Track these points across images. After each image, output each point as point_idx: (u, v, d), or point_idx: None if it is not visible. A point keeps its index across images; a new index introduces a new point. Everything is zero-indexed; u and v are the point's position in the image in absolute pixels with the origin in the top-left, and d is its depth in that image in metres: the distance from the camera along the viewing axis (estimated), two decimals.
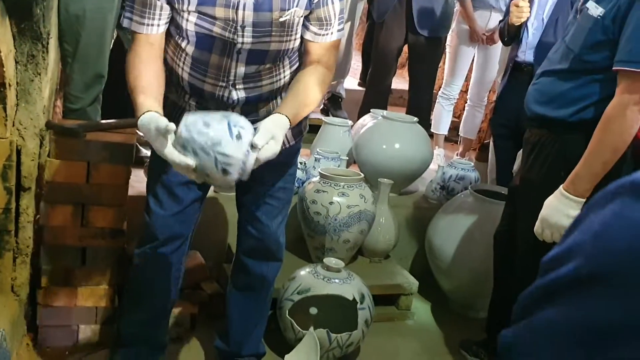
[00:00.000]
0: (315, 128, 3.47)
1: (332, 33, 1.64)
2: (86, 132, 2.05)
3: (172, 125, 1.36)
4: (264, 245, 1.92)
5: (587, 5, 1.75)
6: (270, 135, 1.43)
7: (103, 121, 2.24)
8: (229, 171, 1.36)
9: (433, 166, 3.23)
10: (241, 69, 1.63)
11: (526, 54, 2.63)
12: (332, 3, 1.60)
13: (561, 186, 1.75)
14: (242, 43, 1.58)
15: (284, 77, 1.72)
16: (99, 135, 2.07)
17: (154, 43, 1.60)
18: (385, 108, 3.63)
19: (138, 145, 2.77)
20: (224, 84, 1.66)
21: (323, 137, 3.23)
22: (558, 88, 1.84)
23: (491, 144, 3.27)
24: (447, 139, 4.24)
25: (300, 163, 2.82)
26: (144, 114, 1.44)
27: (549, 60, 1.91)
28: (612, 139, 1.66)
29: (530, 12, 2.61)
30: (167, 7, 1.58)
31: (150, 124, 1.40)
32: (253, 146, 1.38)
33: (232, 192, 2.04)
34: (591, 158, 1.69)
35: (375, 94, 3.77)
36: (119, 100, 2.29)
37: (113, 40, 2.46)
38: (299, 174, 2.79)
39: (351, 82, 4.89)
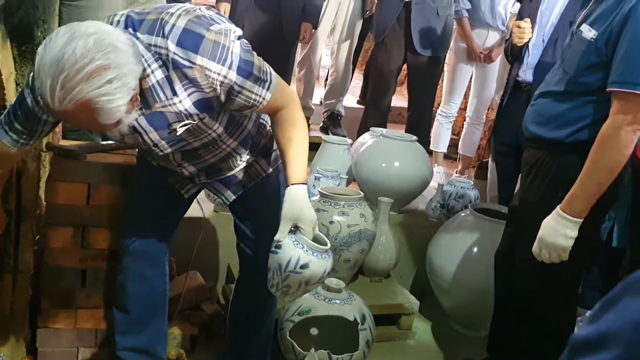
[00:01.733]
0: (314, 146, 3.48)
1: (263, 98, 1.53)
2: (86, 153, 2.05)
3: None
4: (260, 264, 1.91)
5: (581, 28, 1.77)
6: (290, 220, 1.56)
7: (103, 142, 2.24)
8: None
9: (433, 184, 3.23)
10: (180, 158, 1.71)
11: (526, 74, 2.64)
12: (243, 88, 1.48)
13: (558, 207, 1.76)
14: (166, 152, 1.63)
15: (228, 147, 1.72)
16: (99, 156, 2.07)
17: (10, 157, 1.64)
18: (384, 126, 3.64)
19: None
20: (172, 166, 1.74)
21: (322, 155, 3.24)
22: (554, 109, 1.85)
23: (490, 162, 3.27)
24: (446, 157, 4.25)
25: None
26: None
27: (546, 82, 1.93)
28: (607, 160, 1.68)
29: (532, 32, 2.63)
30: (47, 132, 1.61)
31: None
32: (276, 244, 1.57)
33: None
34: (586, 179, 1.70)
35: (375, 112, 3.79)
36: None
37: None
38: None
39: (350, 100, 4.91)
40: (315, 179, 2.91)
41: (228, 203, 1.87)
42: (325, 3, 3.79)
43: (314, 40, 3.90)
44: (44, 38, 1.90)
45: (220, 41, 1.44)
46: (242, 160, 1.80)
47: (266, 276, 1.94)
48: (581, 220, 1.73)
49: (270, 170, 1.85)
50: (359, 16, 4.01)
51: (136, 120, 1.50)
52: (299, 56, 4.04)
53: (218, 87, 1.46)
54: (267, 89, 1.53)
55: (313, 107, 4.12)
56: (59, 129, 2.54)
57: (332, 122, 4.10)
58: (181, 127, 1.53)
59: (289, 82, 3.68)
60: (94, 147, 2.14)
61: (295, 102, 1.64)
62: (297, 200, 1.56)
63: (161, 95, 1.47)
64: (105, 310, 2.12)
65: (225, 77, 1.45)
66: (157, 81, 1.45)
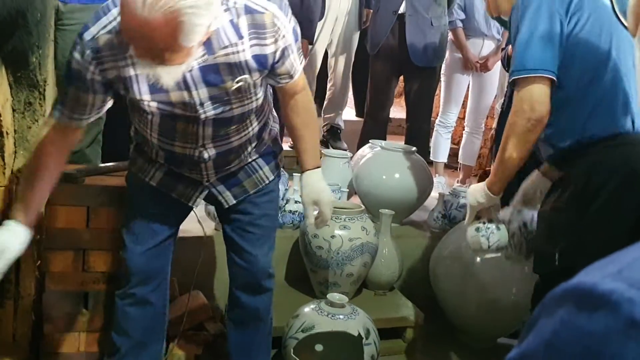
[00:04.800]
0: None
1: (298, 71, 1.65)
2: (84, 176, 2.05)
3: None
4: (253, 276, 1.92)
5: None
6: (311, 203, 1.75)
7: (102, 164, 2.25)
8: None
9: (434, 194, 3.22)
10: (208, 133, 1.66)
11: None
12: (292, 52, 1.59)
13: (485, 182, 1.89)
14: (205, 116, 1.60)
15: (252, 130, 1.74)
16: (98, 179, 2.08)
17: (72, 133, 1.62)
18: (384, 138, 3.64)
19: None
20: (193, 146, 1.68)
21: (323, 169, 3.16)
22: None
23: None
24: (447, 166, 4.24)
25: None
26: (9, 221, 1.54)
27: None
28: (512, 146, 1.74)
29: None
30: (100, 105, 1.59)
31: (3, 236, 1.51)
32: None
33: None
34: (499, 164, 1.80)
35: (374, 125, 3.79)
36: (119, 141, 2.30)
37: None
38: (300, 207, 2.78)
39: (350, 113, 4.92)
40: None
41: (227, 206, 1.85)
42: (322, 18, 3.81)
43: (311, 56, 3.92)
44: (39, 64, 1.92)
45: (283, 1, 1.56)
46: (250, 153, 1.79)
47: (256, 285, 1.95)
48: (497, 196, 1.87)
49: (272, 177, 1.86)
50: (355, 29, 4.03)
51: (190, 72, 1.49)
52: None
53: (280, 40, 1.53)
54: (301, 63, 1.66)
55: None
56: None
57: (332, 135, 4.11)
58: (237, 81, 1.55)
59: None
60: (92, 170, 2.14)
61: (308, 88, 1.76)
62: (315, 184, 1.74)
63: (226, 39, 1.49)
64: (108, 333, 2.11)
65: (287, 31, 1.54)
66: (223, 25, 1.47)
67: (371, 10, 3.88)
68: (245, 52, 1.52)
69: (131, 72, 1.51)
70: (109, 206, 2.04)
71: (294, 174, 2.94)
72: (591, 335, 0.38)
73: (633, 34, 0.54)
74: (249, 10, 1.48)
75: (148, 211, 1.83)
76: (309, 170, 1.75)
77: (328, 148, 3.88)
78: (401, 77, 3.84)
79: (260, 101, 1.67)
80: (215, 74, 1.53)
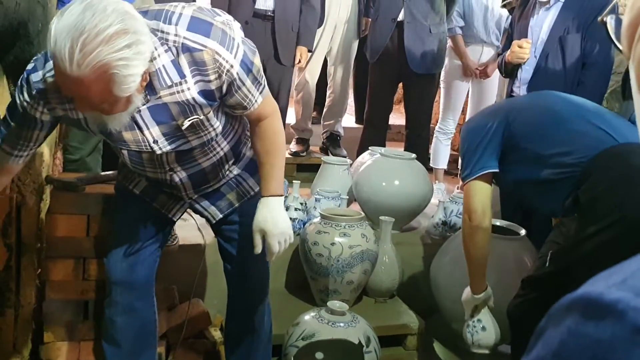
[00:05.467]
0: (314, 167, 3.50)
1: (256, 101, 1.59)
2: (84, 185, 2.06)
3: None
4: (248, 285, 1.92)
5: None
6: (259, 232, 1.66)
7: (102, 173, 2.25)
8: None
9: (434, 201, 3.23)
10: (173, 160, 1.67)
11: (521, 89, 2.66)
12: (243, 84, 1.53)
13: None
14: (161, 150, 1.61)
15: (222, 150, 1.73)
16: (98, 187, 2.08)
17: (11, 168, 1.62)
18: (383, 145, 3.65)
19: None
20: (162, 171, 1.70)
21: (323, 176, 3.24)
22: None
23: None
24: (447, 173, 4.25)
25: (301, 204, 2.83)
26: None
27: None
28: (467, 250, 2.12)
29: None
30: (44, 138, 1.60)
31: None
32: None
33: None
34: (468, 265, 2.14)
35: (373, 132, 3.80)
36: None
37: None
38: (300, 215, 2.79)
39: (349, 120, 4.93)
40: (316, 200, 2.91)
41: (214, 221, 1.86)
42: (321, 26, 3.82)
43: (311, 63, 3.93)
44: None
45: (227, 31, 1.48)
46: (229, 170, 1.79)
47: (252, 294, 1.94)
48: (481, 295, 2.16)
49: (258, 189, 1.83)
50: (354, 37, 4.05)
51: (139, 112, 1.49)
52: (296, 79, 4.06)
53: (224, 75, 1.48)
54: (260, 93, 1.59)
55: (312, 128, 4.14)
56: (59, 160, 2.55)
57: (332, 142, 4.12)
58: (188, 121, 1.53)
59: (286, 106, 3.70)
60: (92, 178, 2.15)
61: (277, 113, 1.69)
62: (266, 214, 1.65)
63: (168, 79, 1.47)
64: None
65: (232, 66, 1.48)
66: (164, 65, 1.45)
67: (370, 19, 3.90)
68: (191, 89, 1.49)
69: (80, 115, 1.52)
70: (109, 214, 2.04)
71: (294, 181, 2.96)
72: (598, 344, 0.39)
73: (627, 57, 0.55)
74: (187, 49, 1.45)
75: (131, 220, 1.82)
76: (264, 197, 1.68)
77: (328, 155, 3.89)
78: (400, 84, 3.85)
79: (219, 128, 1.64)
80: (164, 112, 1.52)
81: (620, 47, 0.56)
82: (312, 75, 4.03)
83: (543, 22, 2.63)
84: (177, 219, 1.88)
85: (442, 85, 3.96)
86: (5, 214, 1.88)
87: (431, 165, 3.93)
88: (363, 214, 2.70)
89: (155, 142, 1.57)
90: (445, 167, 4.08)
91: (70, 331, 2.08)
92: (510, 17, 3.27)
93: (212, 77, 1.48)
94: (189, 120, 1.53)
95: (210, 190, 1.80)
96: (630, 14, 0.54)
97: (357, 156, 3.52)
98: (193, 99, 1.50)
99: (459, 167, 4.09)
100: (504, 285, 2.37)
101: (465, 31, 3.82)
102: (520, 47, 2.63)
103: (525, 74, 2.63)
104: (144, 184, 1.81)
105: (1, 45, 1.67)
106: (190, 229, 2.48)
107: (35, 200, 2.00)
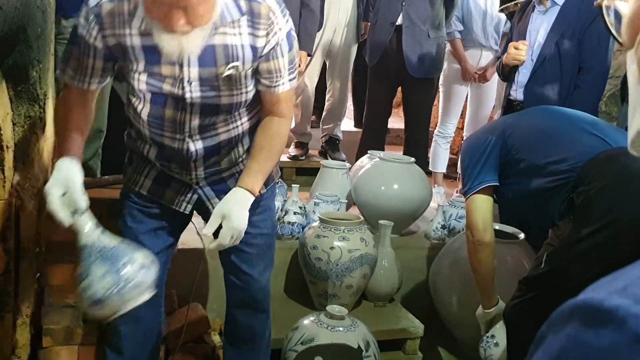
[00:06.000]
0: (313, 171, 3.49)
1: (283, 84, 1.65)
2: (85, 189, 2.05)
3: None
4: (249, 295, 1.91)
5: None
6: (220, 216, 1.59)
7: (102, 177, 2.25)
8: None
9: (433, 204, 3.23)
10: (195, 122, 1.65)
11: (517, 92, 2.67)
12: (282, 56, 1.61)
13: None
14: (191, 98, 1.60)
15: (241, 125, 1.73)
16: (97, 192, 2.08)
17: (84, 94, 1.66)
18: (382, 149, 3.65)
19: None
20: (181, 137, 1.67)
21: (322, 180, 3.24)
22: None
23: None
24: (446, 176, 4.25)
25: (300, 207, 2.83)
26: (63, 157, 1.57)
27: None
28: (472, 266, 2.20)
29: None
30: (100, 71, 1.64)
31: (60, 175, 1.54)
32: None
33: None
34: (476, 282, 2.22)
35: (372, 136, 3.81)
36: (119, 155, 2.30)
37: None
38: (299, 218, 2.79)
39: (348, 123, 4.93)
40: (315, 204, 2.91)
41: None
42: (320, 29, 3.82)
43: (310, 67, 3.93)
44: (39, 78, 1.93)
45: (281, 1, 1.58)
46: (241, 157, 1.77)
47: (252, 305, 1.92)
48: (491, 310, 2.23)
49: (265, 190, 1.82)
50: (353, 41, 4.05)
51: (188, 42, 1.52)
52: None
53: (271, 35, 1.55)
54: (290, 80, 1.65)
55: (311, 132, 4.14)
56: None
57: (331, 146, 4.12)
58: (229, 68, 1.56)
59: None
60: (92, 182, 2.14)
61: (290, 120, 1.74)
62: (232, 202, 1.62)
63: (229, 16, 1.52)
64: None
65: (280, 29, 1.56)
66: (226, 3, 1.51)
67: (369, 23, 3.91)
68: (242, 36, 1.55)
69: (130, 42, 1.56)
70: (108, 218, 2.03)
71: (293, 185, 2.96)
72: (598, 351, 0.39)
73: (628, 47, 0.55)
74: None
75: (138, 227, 1.81)
76: (238, 187, 1.64)
77: (327, 159, 3.89)
78: (399, 88, 3.85)
79: (250, 95, 1.66)
80: (210, 55, 1.55)
81: (620, 39, 0.56)
82: (311, 79, 4.04)
83: (540, 26, 2.64)
84: (189, 212, 1.82)
85: (441, 89, 3.97)
86: (4, 218, 1.88)
87: (430, 169, 3.93)
88: (362, 218, 2.70)
89: (190, 82, 1.58)
90: (444, 170, 4.08)
91: (69, 336, 2.07)
92: (509, 21, 3.28)
93: (261, 33, 1.55)
94: (229, 69, 1.56)
95: (217, 177, 1.77)
96: (637, 2, 0.53)
97: (356, 160, 3.52)
98: (242, 46, 1.55)
99: (458, 171, 4.13)
100: (503, 289, 2.37)
101: (464, 35, 3.83)
102: (516, 48, 2.64)
103: (522, 77, 2.64)
104: (150, 182, 1.78)
105: (0, 49, 1.67)
106: (189, 233, 2.46)
107: (34, 205, 1.99)
